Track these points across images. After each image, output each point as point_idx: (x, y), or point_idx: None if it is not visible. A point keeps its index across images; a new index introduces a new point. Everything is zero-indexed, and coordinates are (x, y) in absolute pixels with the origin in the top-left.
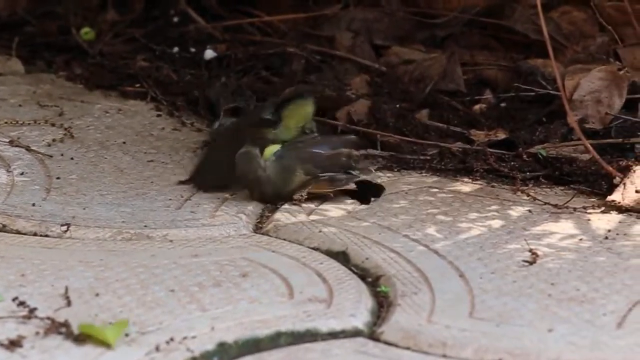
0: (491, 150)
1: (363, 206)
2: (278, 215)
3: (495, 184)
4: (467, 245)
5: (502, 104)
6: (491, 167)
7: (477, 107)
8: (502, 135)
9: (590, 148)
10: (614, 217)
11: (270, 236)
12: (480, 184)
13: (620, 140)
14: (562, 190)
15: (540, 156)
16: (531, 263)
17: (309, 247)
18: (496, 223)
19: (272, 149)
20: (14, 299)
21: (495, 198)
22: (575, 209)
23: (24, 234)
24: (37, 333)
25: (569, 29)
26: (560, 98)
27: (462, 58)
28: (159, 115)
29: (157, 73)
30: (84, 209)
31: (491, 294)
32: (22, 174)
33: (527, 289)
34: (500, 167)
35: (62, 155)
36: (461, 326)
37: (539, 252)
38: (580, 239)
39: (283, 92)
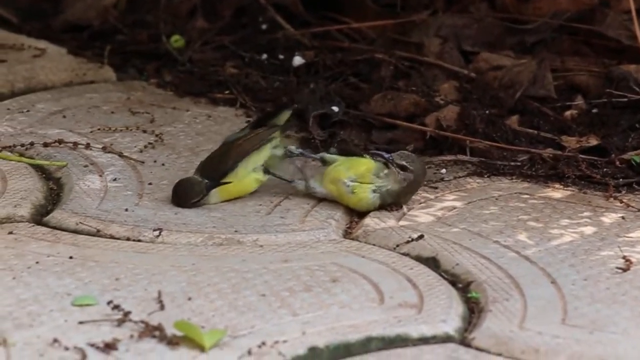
0: (583, 156)
1: (453, 212)
2: (367, 220)
3: (587, 191)
4: (559, 251)
5: (594, 110)
6: (583, 173)
7: (568, 113)
8: (593, 142)
9: None
10: None
11: (359, 241)
12: (572, 191)
13: None
14: None
15: (633, 162)
16: (625, 270)
17: (399, 253)
18: (588, 230)
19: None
20: (109, 303)
21: (587, 204)
22: None
23: (118, 238)
24: (132, 336)
25: None
26: None
27: (553, 64)
28: (248, 122)
29: (246, 80)
30: (176, 214)
31: (584, 300)
32: (115, 179)
33: (621, 296)
34: (592, 173)
35: (154, 161)
36: (554, 333)
37: (632, 259)
38: None
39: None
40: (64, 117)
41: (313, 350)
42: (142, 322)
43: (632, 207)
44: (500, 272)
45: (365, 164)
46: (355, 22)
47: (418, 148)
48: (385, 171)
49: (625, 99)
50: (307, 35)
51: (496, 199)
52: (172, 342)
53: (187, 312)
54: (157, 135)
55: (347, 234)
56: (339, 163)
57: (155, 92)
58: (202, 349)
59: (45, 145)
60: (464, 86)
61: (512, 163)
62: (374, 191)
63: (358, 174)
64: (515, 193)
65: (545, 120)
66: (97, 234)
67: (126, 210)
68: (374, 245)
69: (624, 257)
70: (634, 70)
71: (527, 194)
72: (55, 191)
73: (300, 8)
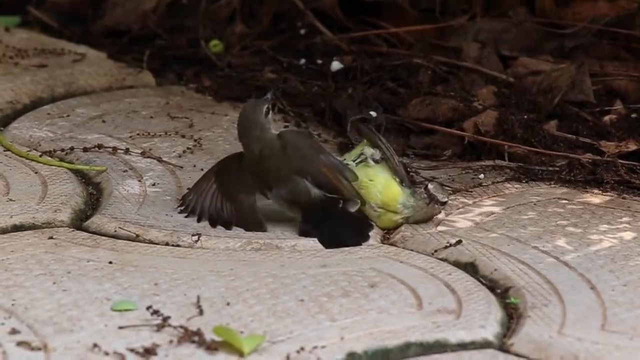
0: (622, 161)
1: (491, 217)
2: (405, 226)
3: (626, 196)
4: (598, 257)
5: (633, 115)
6: (622, 178)
7: (607, 118)
8: (633, 147)
9: None
10: None
11: (398, 247)
12: (611, 196)
13: None
14: None
15: None
16: None
17: (437, 258)
18: (628, 235)
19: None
20: (148, 308)
21: (627, 210)
22: None
23: (157, 243)
24: (171, 341)
25: None
26: None
27: (592, 69)
28: (286, 127)
29: (285, 85)
30: None
31: (623, 306)
32: (153, 184)
33: None
34: (631, 178)
35: (193, 166)
36: (593, 339)
37: None
38: None
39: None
40: (104, 121)
41: (352, 355)
42: (182, 327)
43: None
44: (539, 278)
45: (395, 192)
46: (394, 27)
47: (456, 153)
48: (412, 201)
49: None
50: (345, 40)
51: (534, 204)
52: (211, 347)
53: (225, 317)
54: (195, 140)
55: (385, 239)
56: (370, 183)
57: (194, 97)
58: (241, 354)
59: (85, 150)
60: (502, 91)
61: (551, 168)
62: (400, 220)
63: (385, 202)
64: (554, 198)
65: (584, 125)
66: (136, 239)
67: (165, 215)
68: (412, 250)
69: None
70: None
71: (565, 199)
72: (94, 196)
73: (338, 13)
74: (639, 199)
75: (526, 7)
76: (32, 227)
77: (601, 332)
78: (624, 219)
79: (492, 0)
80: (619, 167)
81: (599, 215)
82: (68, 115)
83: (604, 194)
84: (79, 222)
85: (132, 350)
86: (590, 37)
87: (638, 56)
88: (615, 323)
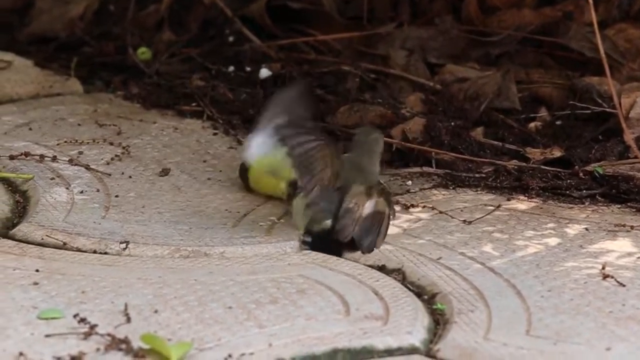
0: (547, 168)
1: (419, 224)
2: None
3: (551, 202)
4: (524, 263)
5: (558, 122)
6: (547, 185)
7: (532, 125)
8: (557, 153)
9: None
10: None
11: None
12: (536, 202)
13: None
14: (619, 208)
15: (596, 174)
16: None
17: (364, 265)
18: (552, 241)
19: None
20: (75, 316)
21: (552, 216)
22: (632, 227)
23: (84, 251)
24: (98, 349)
25: (625, 47)
26: (617, 116)
27: (517, 76)
28: (215, 134)
29: (213, 92)
30: (142, 226)
31: (548, 312)
32: (81, 192)
33: (585, 307)
34: (556, 185)
35: (121, 173)
36: (518, 344)
37: (597, 270)
38: (638, 257)
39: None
40: (30, 129)
41: None
42: (109, 335)
43: (595, 218)
44: (465, 284)
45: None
46: (322, 34)
47: (384, 160)
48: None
49: (589, 111)
50: (274, 47)
51: (461, 210)
52: (139, 355)
53: (153, 324)
54: (123, 148)
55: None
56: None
57: (122, 105)
58: None
59: (12, 158)
60: (430, 98)
61: (477, 175)
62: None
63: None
64: (480, 205)
65: (510, 132)
66: (64, 247)
67: (93, 222)
68: (340, 257)
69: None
70: (597, 82)
71: (492, 205)
72: (21, 204)
73: (267, 20)
74: (564, 205)
75: (452, 15)
76: None
77: (526, 337)
78: (549, 225)
79: (419, 8)
80: (544, 174)
81: (525, 222)
82: None
83: (529, 200)
84: (6, 230)
85: (58, 358)
86: (515, 45)
87: (562, 63)
88: (540, 328)
